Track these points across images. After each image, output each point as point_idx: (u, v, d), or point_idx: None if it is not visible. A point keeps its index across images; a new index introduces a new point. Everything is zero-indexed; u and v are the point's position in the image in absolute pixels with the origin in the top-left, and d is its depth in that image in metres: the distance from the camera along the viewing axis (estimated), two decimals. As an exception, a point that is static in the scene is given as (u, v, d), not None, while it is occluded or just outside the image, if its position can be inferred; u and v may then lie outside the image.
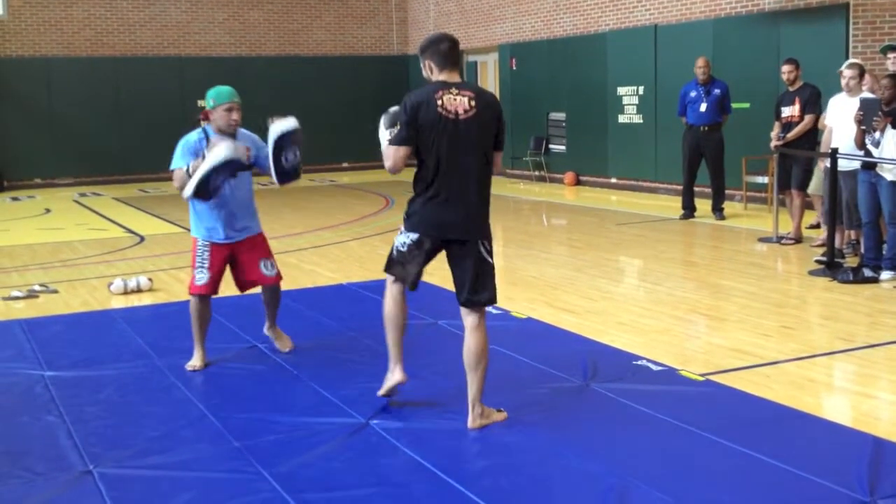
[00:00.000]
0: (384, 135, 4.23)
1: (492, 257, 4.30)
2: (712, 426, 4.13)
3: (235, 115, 5.04)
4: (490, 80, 18.03)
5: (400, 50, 20.14)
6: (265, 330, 5.60)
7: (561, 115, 15.82)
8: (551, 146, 16.11)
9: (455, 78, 4.18)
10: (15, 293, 7.46)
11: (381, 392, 4.52)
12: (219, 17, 18.63)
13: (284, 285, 5.63)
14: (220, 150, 4.81)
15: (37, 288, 7.64)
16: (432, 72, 4.18)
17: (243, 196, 5.17)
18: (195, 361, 5.28)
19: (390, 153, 4.13)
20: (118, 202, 14.75)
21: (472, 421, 4.25)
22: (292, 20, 19.27)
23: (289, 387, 4.92)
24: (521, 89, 16.63)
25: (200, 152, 4.94)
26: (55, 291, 7.62)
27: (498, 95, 17.39)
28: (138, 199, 15.12)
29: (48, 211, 13.84)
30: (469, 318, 4.23)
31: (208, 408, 4.59)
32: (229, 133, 5.06)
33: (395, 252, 4.31)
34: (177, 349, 5.58)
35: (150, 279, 7.75)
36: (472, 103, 4.10)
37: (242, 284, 5.41)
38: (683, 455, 3.90)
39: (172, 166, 5.06)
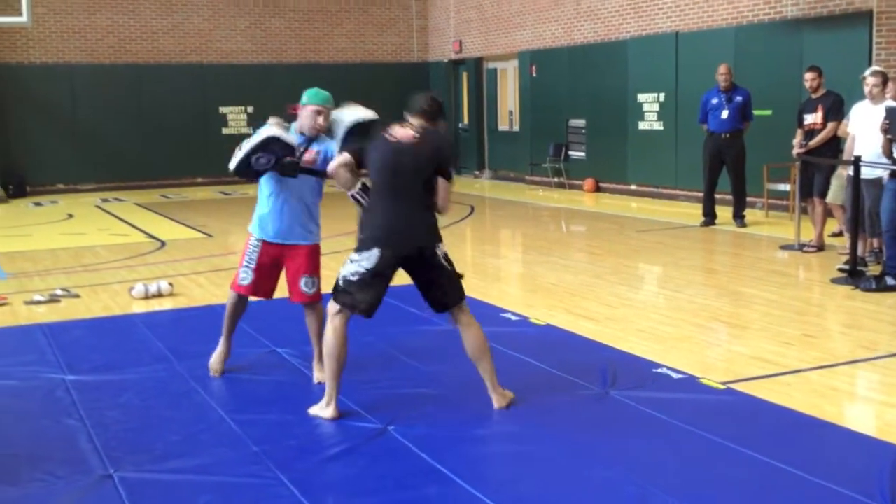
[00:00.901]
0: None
1: (450, 263, 4.54)
2: (733, 435, 4.10)
3: (321, 120, 4.94)
4: (510, 87, 18.03)
5: (420, 57, 20.18)
6: (314, 363, 5.23)
7: (581, 122, 15.79)
8: (571, 153, 16.09)
9: (419, 121, 4.51)
10: (37, 297, 7.52)
11: (309, 410, 4.59)
12: (241, 25, 18.74)
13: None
14: (264, 131, 4.81)
15: (59, 292, 7.70)
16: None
17: (307, 200, 5.02)
18: (214, 361, 5.27)
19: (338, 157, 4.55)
20: (140, 207, 14.85)
21: (497, 402, 4.54)
22: (313, 28, 19.36)
23: (307, 391, 4.93)
24: (540, 96, 16.62)
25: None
26: (77, 296, 7.68)
27: (518, 102, 17.48)
28: (160, 205, 15.21)
29: (71, 216, 13.95)
30: (462, 317, 4.51)
31: (227, 412, 4.60)
32: (310, 136, 4.97)
33: (341, 281, 4.40)
34: (197, 353, 5.61)
35: (170, 284, 7.79)
36: (418, 134, 4.45)
37: (290, 294, 5.17)
38: (703, 464, 3.87)
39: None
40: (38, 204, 15.81)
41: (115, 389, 5.02)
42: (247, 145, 4.83)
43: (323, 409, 4.53)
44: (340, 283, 4.42)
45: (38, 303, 7.42)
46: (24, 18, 14.71)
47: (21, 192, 16.77)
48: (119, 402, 4.82)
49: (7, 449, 4.20)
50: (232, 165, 4.90)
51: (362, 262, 4.36)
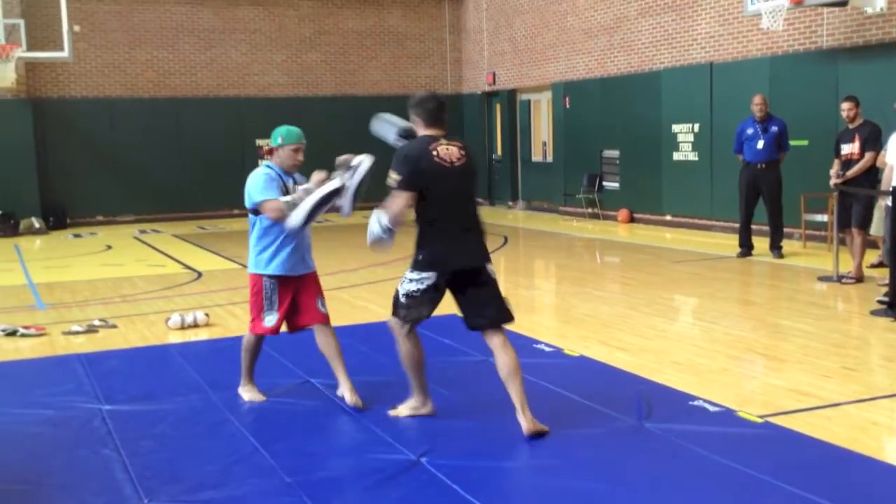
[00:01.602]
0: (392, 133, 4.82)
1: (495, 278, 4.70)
2: (771, 469, 4.03)
3: (300, 156, 5.22)
4: (543, 119, 18.08)
5: (454, 89, 20.32)
6: (338, 391, 5.30)
7: (615, 153, 15.77)
8: (605, 183, 16.06)
9: (440, 132, 4.61)
10: (75, 328, 7.61)
11: (398, 413, 4.83)
12: (277, 59, 19.01)
13: (337, 321, 5.67)
14: (333, 182, 4.87)
15: (96, 323, 7.79)
16: (418, 126, 4.64)
17: (305, 232, 5.27)
18: (254, 396, 5.41)
19: (399, 200, 4.48)
20: (177, 239, 15.03)
21: (528, 427, 4.51)
22: (349, 61, 19.58)
23: (340, 423, 4.93)
24: (574, 127, 16.64)
25: (282, 186, 5.09)
26: (114, 326, 7.76)
27: (551, 133, 17.50)
28: (197, 236, 15.38)
29: (109, 247, 14.14)
30: (496, 339, 4.59)
31: (261, 443, 4.61)
32: (290, 173, 5.23)
33: (402, 298, 4.61)
34: (232, 384, 5.63)
35: (206, 314, 7.85)
36: (462, 153, 4.58)
37: (295, 325, 5.33)
38: (741, 499, 3.81)
39: (262, 197, 5.05)
40: (77, 235, 16.05)
41: (151, 419, 5.06)
42: (310, 199, 4.86)
43: (423, 409, 4.79)
44: (402, 300, 4.61)
45: (76, 333, 7.51)
46: (65, 54, 15.06)
47: (61, 223, 17.05)
48: (154, 432, 4.85)
49: (44, 478, 4.24)
50: (298, 221, 4.88)
51: (424, 280, 4.54)
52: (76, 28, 16.95)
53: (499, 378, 4.62)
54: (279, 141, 5.16)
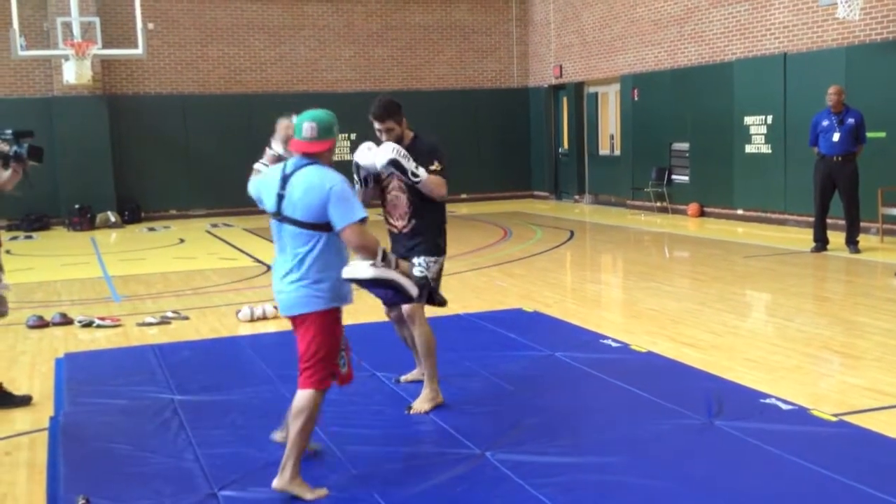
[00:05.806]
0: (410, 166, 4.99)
1: None
2: (846, 470, 3.93)
3: None
4: (611, 111, 17.88)
5: (520, 83, 20.22)
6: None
7: (684, 146, 15.53)
8: (674, 176, 15.82)
9: None
10: (149, 319, 7.78)
11: (421, 409, 4.95)
12: (345, 55, 19.15)
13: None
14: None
15: (169, 314, 7.95)
16: (404, 126, 5.27)
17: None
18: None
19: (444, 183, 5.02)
20: (248, 233, 15.26)
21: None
22: (415, 56, 19.63)
23: (406, 416, 4.94)
24: (642, 120, 16.43)
25: None
26: (186, 318, 7.91)
27: (619, 126, 17.31)
28: (266, 230, 15.52)
29: (182, 241, 14.43)
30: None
31: (328, 435, 4.65)
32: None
33: (433, 282, 4.98)
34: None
35: (275, 307, 7.93)
36: None
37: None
38: (814, 500, 3.72)
39: (364, 214, 3.88)
40: (151, 229, 16.42)
41: (221, 409, 5.14)
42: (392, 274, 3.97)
43: (439, 396, 5.00)
44: (434, 283, 4.98)
45: (150, 324, 7.68)
46: (139, 51, 15.39)
47: (136, 217, 17.45)
48: (224, 422, 4.93)
49: (117, 467, 4.34)
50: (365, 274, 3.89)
51: (439, 261, 5.04)
52: (150, 26, 17.31)
53: (564, 372, 4.58)
54: (335, 132, 4.09)
